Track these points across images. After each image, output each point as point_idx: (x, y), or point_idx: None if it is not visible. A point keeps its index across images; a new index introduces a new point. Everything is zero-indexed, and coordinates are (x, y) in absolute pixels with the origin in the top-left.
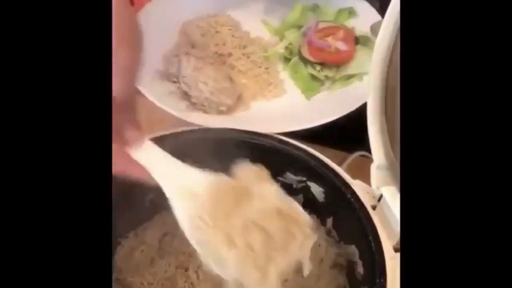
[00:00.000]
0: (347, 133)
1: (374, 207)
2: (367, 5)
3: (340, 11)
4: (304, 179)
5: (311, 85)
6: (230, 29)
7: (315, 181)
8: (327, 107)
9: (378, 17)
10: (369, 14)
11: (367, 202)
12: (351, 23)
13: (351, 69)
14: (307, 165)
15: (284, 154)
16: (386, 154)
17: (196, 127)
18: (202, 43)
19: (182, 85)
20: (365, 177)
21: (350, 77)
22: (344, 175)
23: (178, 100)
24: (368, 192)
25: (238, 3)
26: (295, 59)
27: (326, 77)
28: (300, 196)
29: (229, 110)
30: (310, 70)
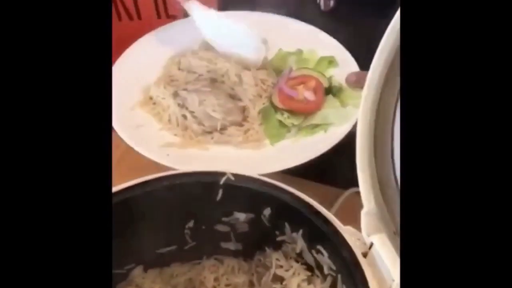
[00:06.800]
0: (341, 169)
1: (365, 255)
2: (349, 56)
3: (321, 59)
4: None
5: (278, 131)
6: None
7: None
8: (288, 154)
9: (357, 68)
10: (349, 64)
11: (358, 249)
12: (330, 72)
13: (317, 119)
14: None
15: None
16: (376, 201)
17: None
18: (189, 75)
19: (192, 119)
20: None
21: (315, 126)
22: (334, 221)
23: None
24: (359, 239)
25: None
26: (267, 104)
27: (293, 124)
28: None
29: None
30: (278, 116)
